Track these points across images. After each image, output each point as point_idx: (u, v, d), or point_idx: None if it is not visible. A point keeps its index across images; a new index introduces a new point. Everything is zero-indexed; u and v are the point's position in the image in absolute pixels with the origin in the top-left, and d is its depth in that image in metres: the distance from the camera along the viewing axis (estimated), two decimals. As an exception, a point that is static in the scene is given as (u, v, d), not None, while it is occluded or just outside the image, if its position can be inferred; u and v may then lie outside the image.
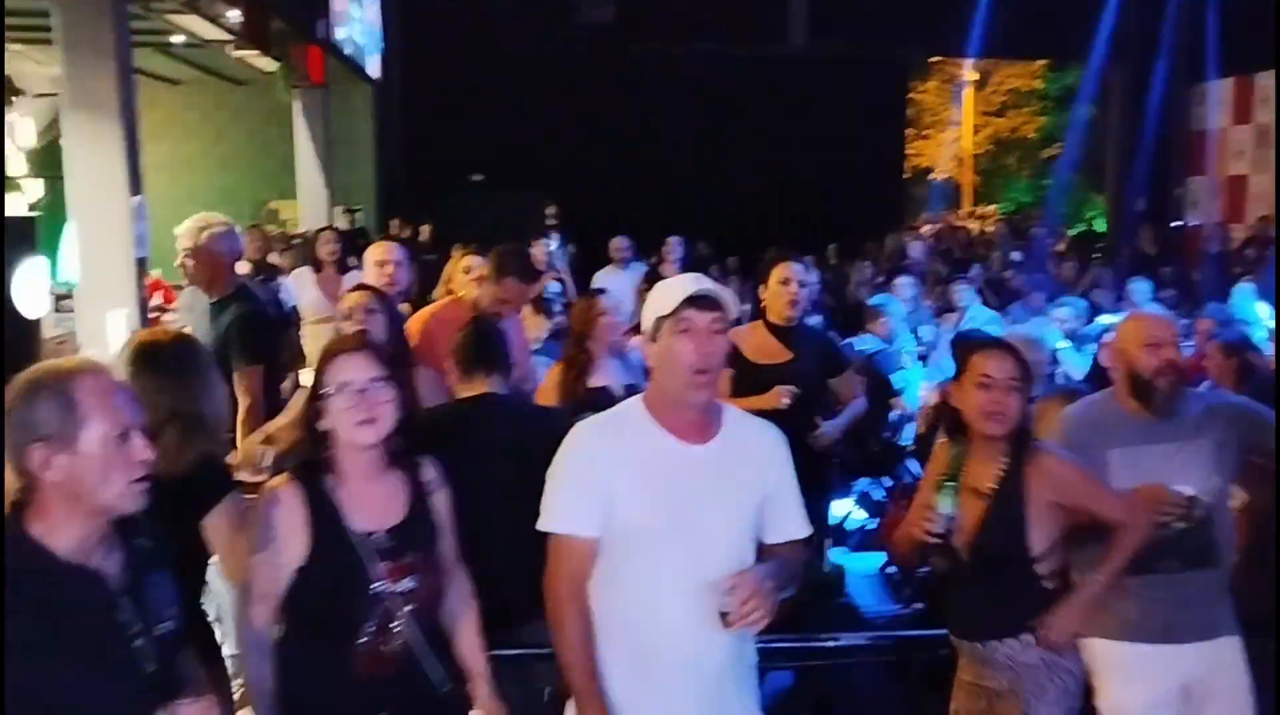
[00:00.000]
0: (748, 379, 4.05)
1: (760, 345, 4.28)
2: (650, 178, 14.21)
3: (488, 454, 3.11)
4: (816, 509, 3.57)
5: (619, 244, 8.42)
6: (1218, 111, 14.00)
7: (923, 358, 7.04)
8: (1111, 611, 2.89)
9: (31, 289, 4.35)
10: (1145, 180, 14.23)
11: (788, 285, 4.36)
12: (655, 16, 14.35)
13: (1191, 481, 2.91)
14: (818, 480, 4.11)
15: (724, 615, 2.29)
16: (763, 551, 2.47)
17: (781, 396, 4.02)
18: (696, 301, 2.33)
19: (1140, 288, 7.46)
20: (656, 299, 2.41)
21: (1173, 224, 13.92)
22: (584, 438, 2.44)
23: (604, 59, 14.36)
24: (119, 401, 1.92)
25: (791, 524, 2.52)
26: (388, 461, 2.45)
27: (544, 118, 13.72)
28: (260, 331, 4.23)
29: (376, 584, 2.35)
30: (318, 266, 7.16)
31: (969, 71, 23.01)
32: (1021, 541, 2.86)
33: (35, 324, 3.76)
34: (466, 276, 4.98)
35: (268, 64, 10.44)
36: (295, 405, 4.85)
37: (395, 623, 2.37)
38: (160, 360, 2.71)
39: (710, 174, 14.47)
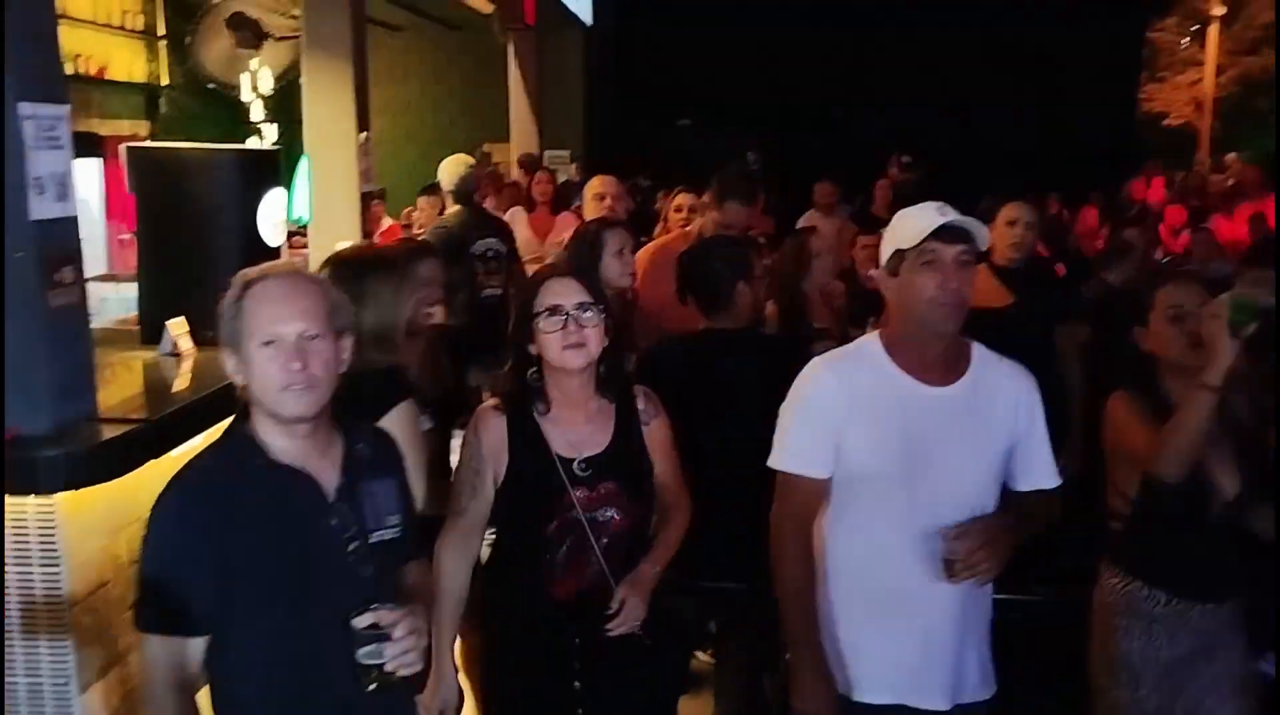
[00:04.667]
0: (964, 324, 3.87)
1: (980, 288, 4.06)
2: (856, 120, 13.77)
3: (709, 388, 3.02)
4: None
5: (825, 189, 8.19)
6: None
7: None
8: None
9: (271, 218, 4.55)
10: None
11: (1014, 226, 4.18)
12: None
13: None
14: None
15: (949, 563, 2.17)
16: (1008, 500, 2.32)
17: None
18: (942, 233, 2.18)
19: None
20: (897, 230, 2.27)
21: None
22: (817, 375, 2.34)
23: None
24: (278, 309, 1.85)
25: (1040, 472, 2.36)
26: (596, 388, 2.40)
27: (750, 61, 13.49)
28: None
29: (572, 511, 2.33)
30: (531, 206, 7.32)
31: (1217, 5, 21.06)
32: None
33: (275, 252, 3.94)
34: (678, 215, 4.94)
35: (484, 4, 10.64)
36: None
37: (590, 550, 2.34)
38: (337, 275, 2.65)
39: (919, 117, 13.87)
